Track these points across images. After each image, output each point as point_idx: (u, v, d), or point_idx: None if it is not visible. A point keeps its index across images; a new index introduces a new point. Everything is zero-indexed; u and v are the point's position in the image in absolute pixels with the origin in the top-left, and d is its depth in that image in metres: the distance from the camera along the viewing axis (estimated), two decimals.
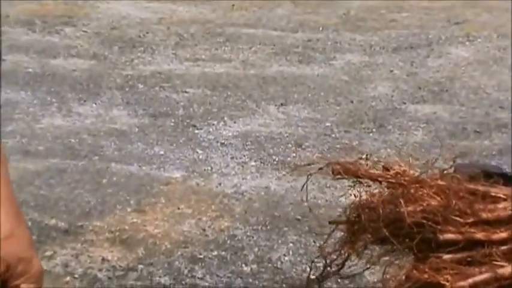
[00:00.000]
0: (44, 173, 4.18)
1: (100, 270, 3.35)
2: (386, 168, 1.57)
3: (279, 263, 3.43)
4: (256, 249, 3.53)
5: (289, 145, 4.56)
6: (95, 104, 5.12)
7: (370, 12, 7.02)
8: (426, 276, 1.39)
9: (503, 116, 4.96)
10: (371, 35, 6.44)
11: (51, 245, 3.52)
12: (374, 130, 4.77)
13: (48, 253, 3.44)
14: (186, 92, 5.32)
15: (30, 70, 5.64)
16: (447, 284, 1.37)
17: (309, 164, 1.53)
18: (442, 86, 5.44)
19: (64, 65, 5.75)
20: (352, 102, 5.18)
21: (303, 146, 4.55)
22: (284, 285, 3.29)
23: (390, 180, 1.54)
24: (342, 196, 1.52)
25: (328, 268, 1.60)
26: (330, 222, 1.55)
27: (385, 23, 6.75)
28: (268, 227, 3.70)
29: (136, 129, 4.75)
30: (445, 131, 4.76)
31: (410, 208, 1.44)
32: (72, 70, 5.66)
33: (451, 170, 1.62)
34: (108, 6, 7.11)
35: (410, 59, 5.92)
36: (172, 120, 4.88)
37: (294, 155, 4.44)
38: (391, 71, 5.71)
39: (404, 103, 5.16)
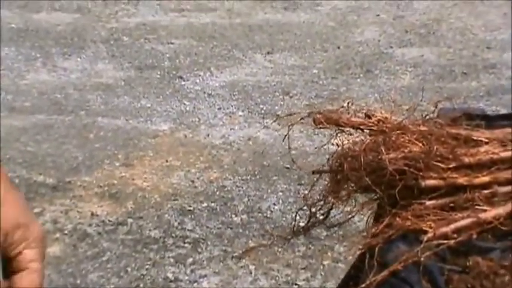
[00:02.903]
0: (31, 129, 4.16)
1: (90, 225, 3.35)
2: (368, 116, 1.55)
3: (268, 212, 3.43)
4: (245, 199, 3.53)
5: (277, 93, 4.54)
6: (80, 58, 5.08)
7: None
8: (409, 223, 1.39)
9: (490, 56, 4.94)
10: None
11: (39, 201, 3.51)
12: (361, 75, 4.75)
13: (37, 210, 3.44)
14: (171, 43, 5.28)
15: (14, 26, 5.58)
16: (430, 230, 1.36)
17: (290, 114, 1.51)
18: (429, 28, 5.41)
19: (47, 19, 5.70)
20: (338, 48, 5.15)
21: (291, 94, 4.53)
22: (274, 235, 3.29)
23: (372, 127, 1.52)
24: (327, 143, 1.51)
25: (314, 217, 1.60)
26: (313, 172, 1.55)
27: None
28: (258, 177, 3.69)
29: (123, 83, 4.72)
30: (432, 73, 4.74)
31: (391, 155, 1.42)
32: (56, 24, 5.61)
33: (434, 115, 1.61)
34: None
35: (396, 2, 5.87)
36: (159, 72, 4.85)
37: (282, 103, 4.42)
38: (378, 15, 5.67)
39: (392, 47, 5.13)
